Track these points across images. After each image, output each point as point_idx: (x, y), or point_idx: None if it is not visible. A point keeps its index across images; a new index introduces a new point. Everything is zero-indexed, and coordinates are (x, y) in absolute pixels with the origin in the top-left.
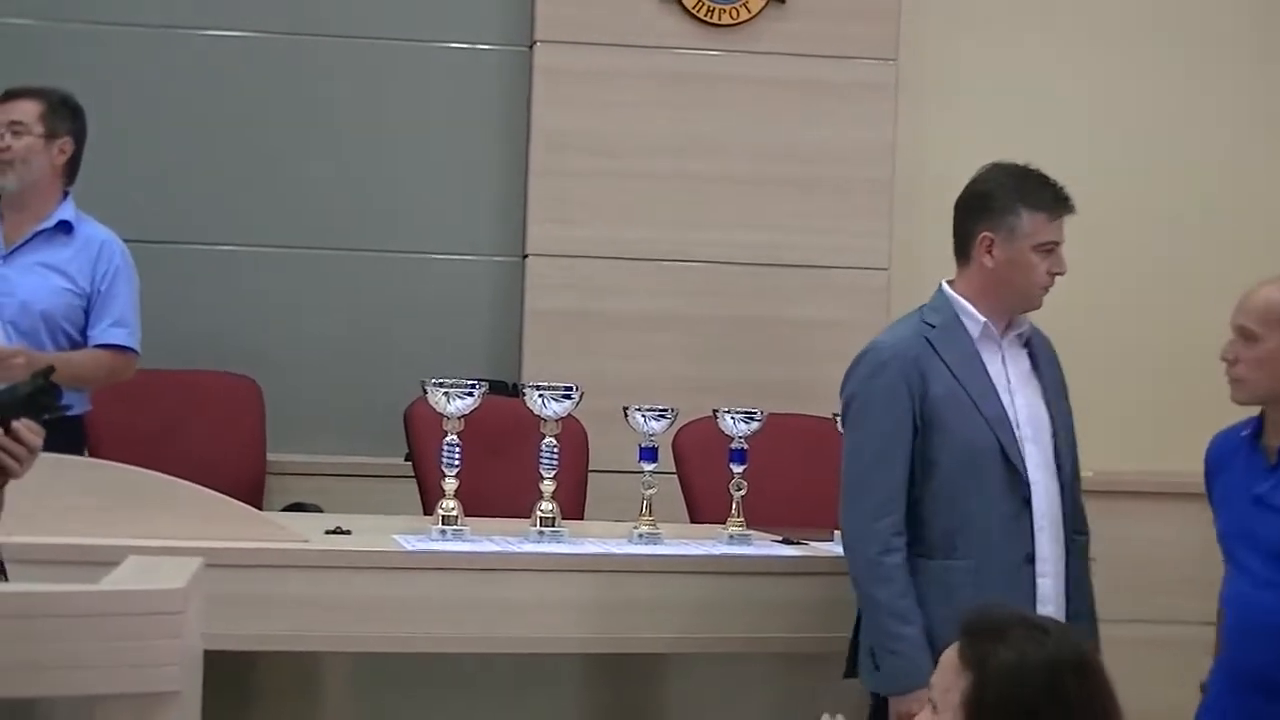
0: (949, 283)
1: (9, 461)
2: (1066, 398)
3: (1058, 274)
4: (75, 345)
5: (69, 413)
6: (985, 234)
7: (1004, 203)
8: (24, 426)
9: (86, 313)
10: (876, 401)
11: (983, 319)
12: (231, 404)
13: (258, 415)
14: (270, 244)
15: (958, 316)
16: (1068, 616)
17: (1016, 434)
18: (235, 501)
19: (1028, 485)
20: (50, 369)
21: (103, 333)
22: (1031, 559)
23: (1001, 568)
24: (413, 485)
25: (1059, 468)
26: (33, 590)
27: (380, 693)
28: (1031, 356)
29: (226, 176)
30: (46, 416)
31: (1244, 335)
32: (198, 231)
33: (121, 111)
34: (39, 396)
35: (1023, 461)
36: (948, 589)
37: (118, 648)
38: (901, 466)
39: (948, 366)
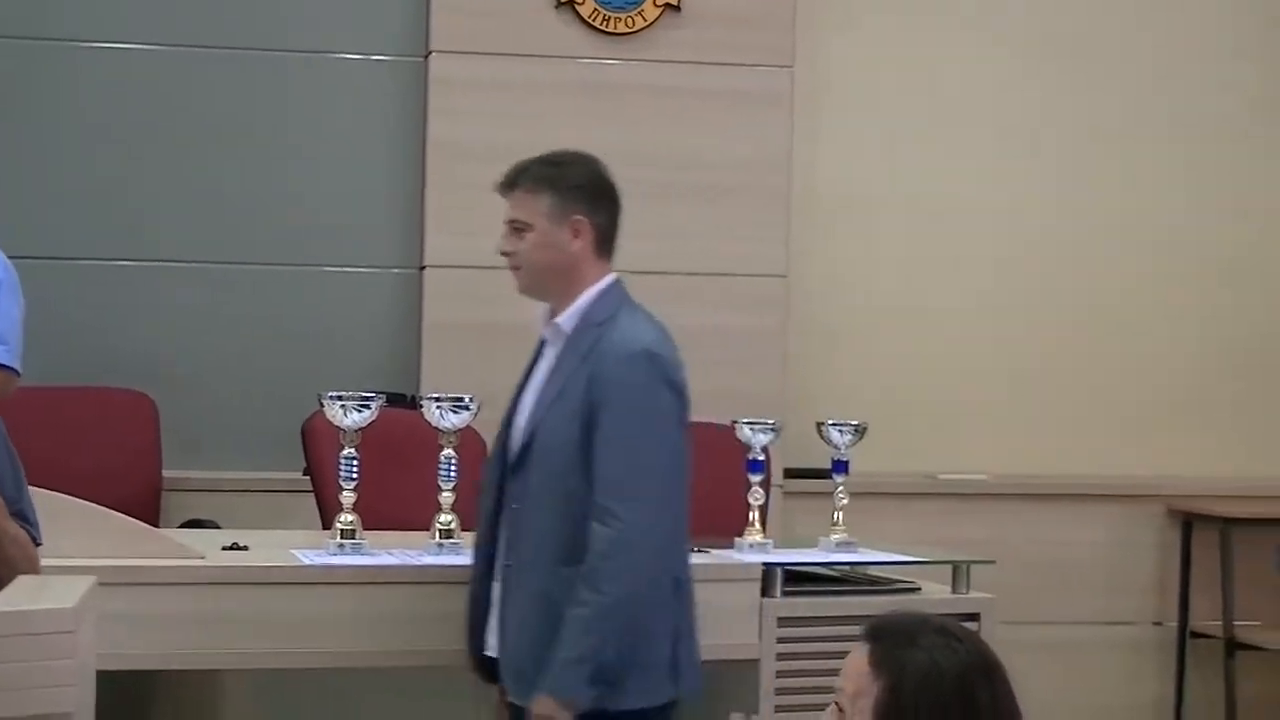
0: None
1: None
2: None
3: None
4: None
5: None
6: None
7: None
8: None
9: None
10: (673, 407)
11: None
12: (125, 420)
13: (152, 431)
14: (165, 259)
15: None
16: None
17: None
18: (128, 518)
19: None
20: None
21: None
22: None
23: None
24: (312, 500)
25: None
26: None
27: (280, 710)
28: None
29: (120, 191)
30: None
31: None
32: (91, 246)
33: (13, 125)
34: None
35: None
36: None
37: (7, 670)
38: None
39: None
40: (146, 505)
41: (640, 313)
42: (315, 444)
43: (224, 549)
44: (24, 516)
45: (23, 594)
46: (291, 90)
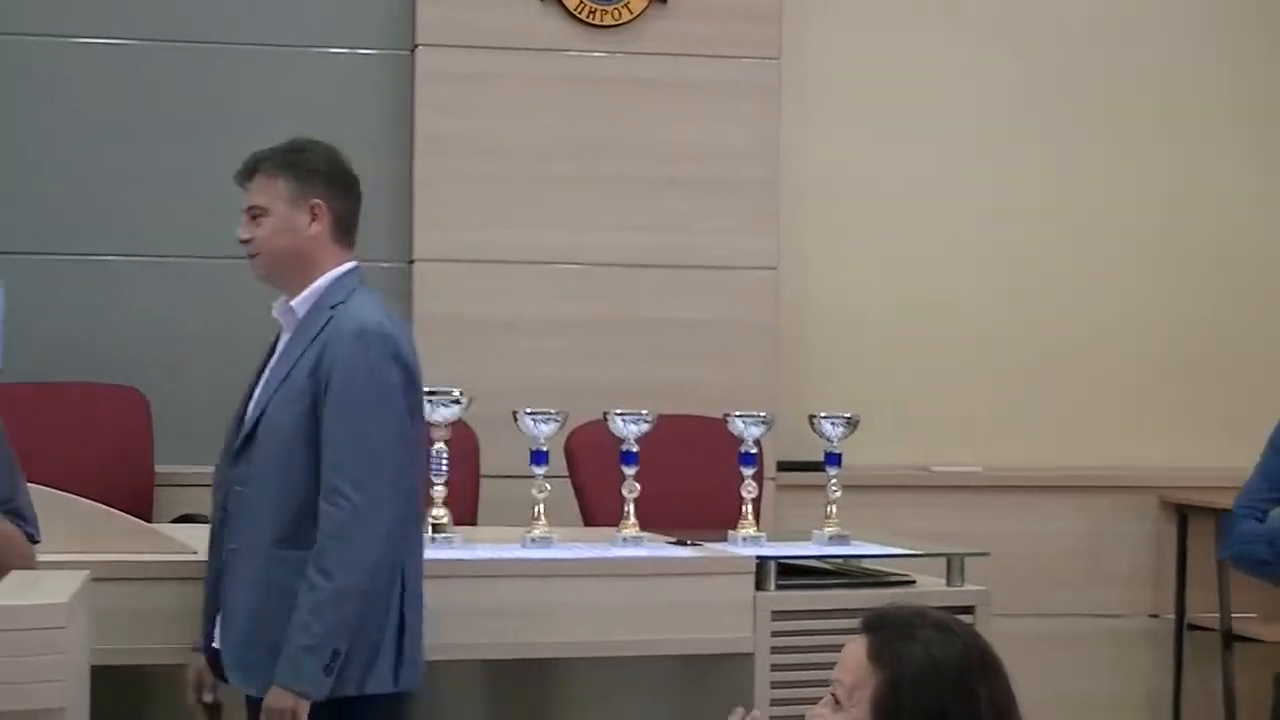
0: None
1: None
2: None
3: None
4: None
5: None
6: None
7: None
8: None
9: None
10: (401, 384)
11: None
12: (117, 416)
13: (144, 426)
14: (154, 254)
15: None
16: None
17: None
18: (120, 513)
19: None
20: None
21: None
22: None
23: None
24: None
25: None
26: None
27: None
28: None
29: (108, 186)
30: None
31: None
32: (79, 242)
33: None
34: None
35: None
36: None
37: None
38: None
39: None
40: (140, 501)
41: (376, 298)
42: None
43: None
44: (19, 514)
45: (13, 589)
46: (280, 85)
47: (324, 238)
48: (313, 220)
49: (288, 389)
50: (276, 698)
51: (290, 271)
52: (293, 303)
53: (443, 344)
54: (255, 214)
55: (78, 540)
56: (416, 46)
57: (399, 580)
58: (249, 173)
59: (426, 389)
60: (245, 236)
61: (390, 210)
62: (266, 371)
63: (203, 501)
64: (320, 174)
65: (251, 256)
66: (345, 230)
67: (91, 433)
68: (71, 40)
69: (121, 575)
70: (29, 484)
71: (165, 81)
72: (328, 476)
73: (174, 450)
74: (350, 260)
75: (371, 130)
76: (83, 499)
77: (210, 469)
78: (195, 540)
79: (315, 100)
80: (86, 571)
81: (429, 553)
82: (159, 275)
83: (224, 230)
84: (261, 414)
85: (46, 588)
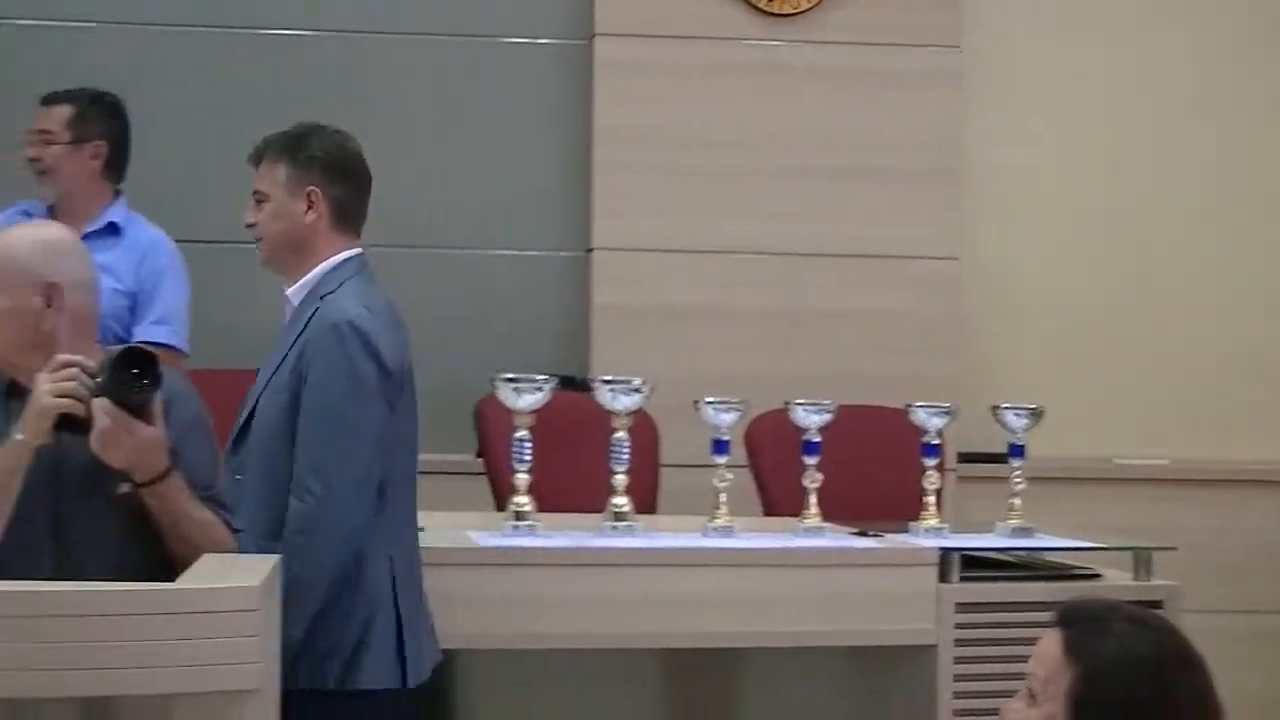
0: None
1: (94, 444)
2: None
3: None
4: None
5: None
6: None
7: None
8: (100, 409)
9: (133, 312)
10: (375, 379)
11: None
12: None
13: None
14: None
15: None
16: None
17: None
18: None
19: None
20: (137, 353)
21: (145, 330)
22: None
23: None
24: (483, 482)
25: None
26: (106, 589)
27: (466, 691)
28: None
29: None
30: (131, 406)
31: None
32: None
33: (182, 112)
34: (110, 386)
35: None
36: None
37: (194, 646)
38: None
39: None
40: None
41: (368, 287)
42: (487, 426)
43: None
44: (218, 501)
45: (209, 572)
46: (458, 76)
47: (321, 225)
48: (309, 208)
49: (276, 380)
50: None
51: (288, 258)
52: (288, 291)
53: (620, 333)
54: (259, 199)
55: None
56: (594, 36)
57: (388, 577)
58: (257, 157)
59: (607, 377)
60: (249, 221)
61: (568, 200)
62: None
63: None
64: (318, 160)
65: (256, 241)
66: (345, 218)
67: None
68: (263, 32)
69: None
70: None
71: (350, 73)
72: (297, 471)
73: None
74: (351, 248)
75: (550, 119)
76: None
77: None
78: None
79: (495, 90)
80: (277, 556)
81: (610, 541)
82: None
83: (405, 220)
84: (255, 404)
85: (239, 570)
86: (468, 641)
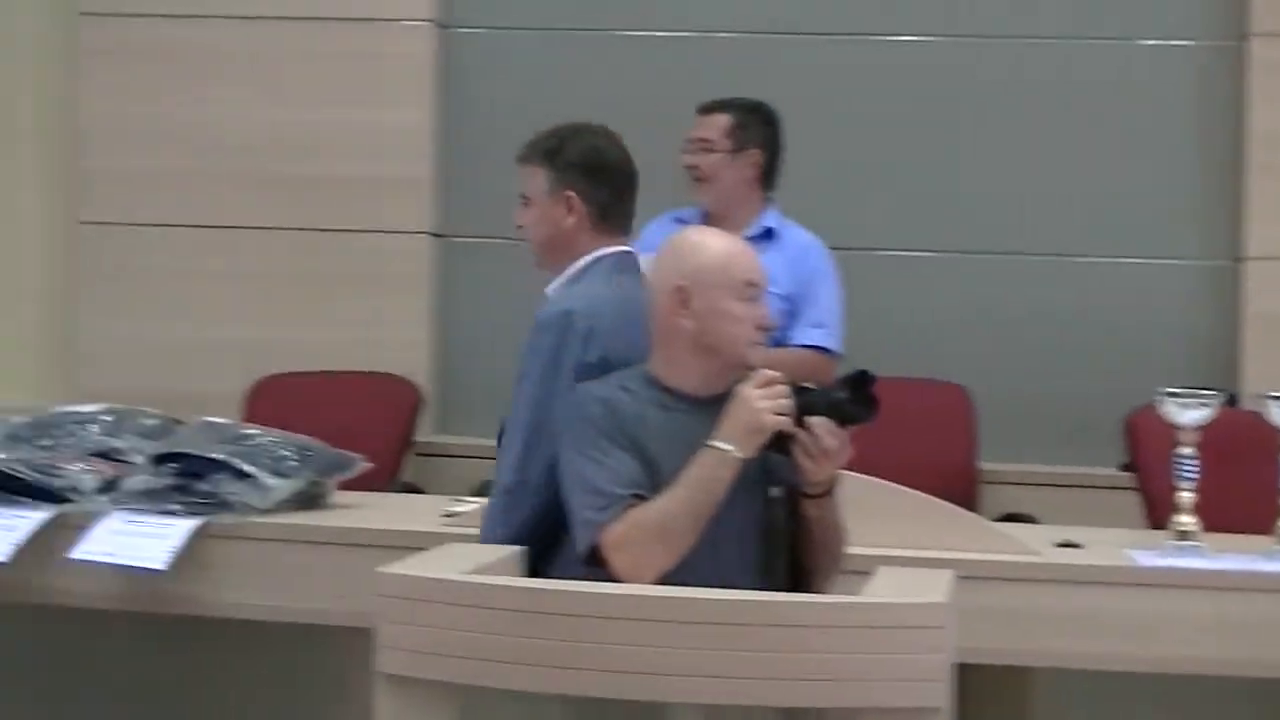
0: None
1: (804, 460)
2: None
3: None
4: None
5: None
6: None
7: None
8: (823, 427)
9: (790, 315)
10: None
11: None
12: (940, 412)
13: (968, 423)
14: (963, 249)
15: None
16: None
17: None
18: (966, 512)
19: None
20: (869, 377)
21: (801, 333)
22: None
23: None
24: (1126, 497)
25: None
26: (800, 601)
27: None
28: None
29: (917, 182)
30: (848, 425)
31: None
32: (893, 238)
33: (813, 119)
34: (842, 404)
35: None
36: None
37: (879, 661)
38: None
39: None
40: (963, 498)
41: (604, 282)
42: (1141, 440)
43: (1057, 545)
44: None
45: (891, 586)
46: (1090, 79)
47: (581, 226)
48: (569, 212)
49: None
50: None
51: (552, 259)
52: (547, 291)
53: (1276, 344)
54: (525, 201)
55: (927, 536)
56: (1248, 36)
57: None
58: (521, 159)
59: (1275, 394)
60: (519, 223)
61: (1209, 206)
62: None
63: (1026, 500)
64: (575, 167)
65: (528, 241)
66: (606, 218)
67: (916, 428)
68: (886, 38)
69: (964, 574)
70: (861, 475)
71: (977, 77)
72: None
73: (996, 448)
74: (614, 245)
75: (1190, 122)
76: (928, 495)
77: (1031, 468)
78: (1027, 540)
79: (1130, 93)
80: (951, 570)
81: (1176, 561)
82: (974, 271)
83: (1038, 226)
84: None
85: (920, 585)
86: (1128, 665)
